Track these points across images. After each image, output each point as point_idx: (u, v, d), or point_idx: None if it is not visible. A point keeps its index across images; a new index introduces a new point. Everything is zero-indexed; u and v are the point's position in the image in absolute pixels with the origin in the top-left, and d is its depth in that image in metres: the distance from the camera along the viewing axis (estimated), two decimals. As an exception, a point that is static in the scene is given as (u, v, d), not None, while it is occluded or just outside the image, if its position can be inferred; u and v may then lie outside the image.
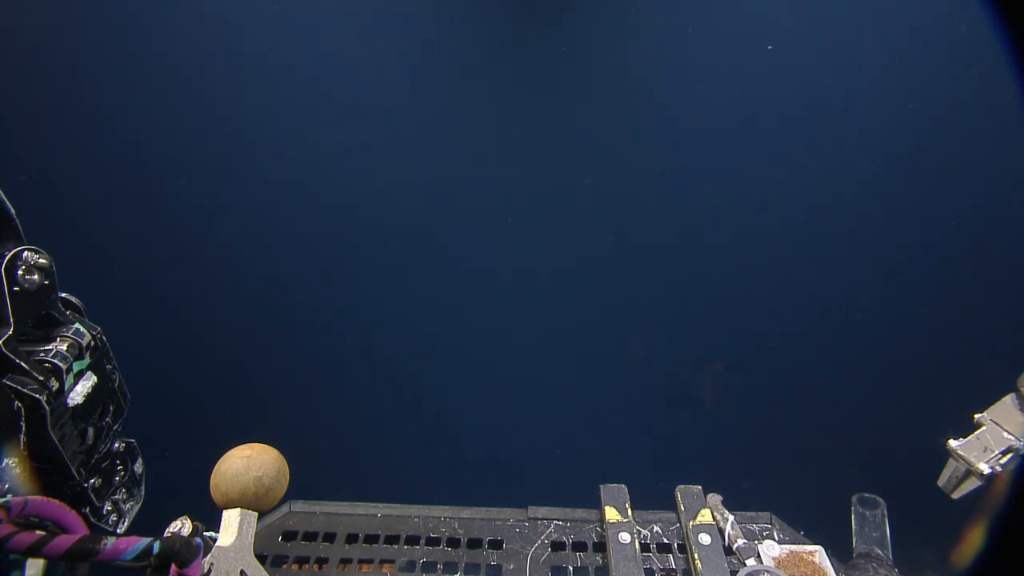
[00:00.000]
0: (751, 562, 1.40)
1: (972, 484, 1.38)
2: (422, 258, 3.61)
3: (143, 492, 1.41)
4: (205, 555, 1.12)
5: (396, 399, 3.71)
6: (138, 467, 1.40)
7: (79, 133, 3.16)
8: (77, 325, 1.21)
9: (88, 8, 3.04)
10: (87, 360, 1.21)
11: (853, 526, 1.53)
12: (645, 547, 1.51)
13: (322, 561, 1.49)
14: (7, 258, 1.06)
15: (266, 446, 1.31)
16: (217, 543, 1.18)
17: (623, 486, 1.63)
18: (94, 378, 1.22)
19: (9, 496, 0.93)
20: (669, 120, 3.39)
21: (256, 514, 1.24)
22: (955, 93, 3.08)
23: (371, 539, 1.54)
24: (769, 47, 2.95)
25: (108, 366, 1.28)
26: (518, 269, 3.64)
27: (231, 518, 1.21)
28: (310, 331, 3.65)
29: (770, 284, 3.52)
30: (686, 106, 3.36)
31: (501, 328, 3.71)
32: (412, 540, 1.55)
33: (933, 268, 3.28)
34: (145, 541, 0.92)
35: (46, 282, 1.14)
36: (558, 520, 1.60)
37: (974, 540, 1.01)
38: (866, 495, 1.56)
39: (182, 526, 1.17)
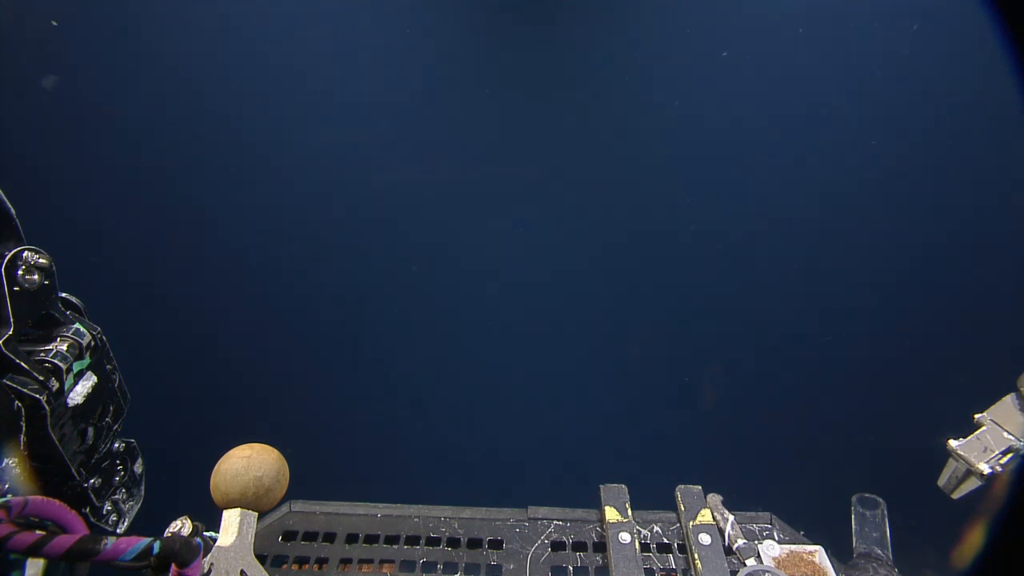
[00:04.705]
0: (751, 562, 1.40)
1: (972, 484, 1.38)
2: (421, 258, 3.62)
3: (143, 492, 1.41)
4: (205, 555, 1.12)
5: (396, 399, 3.72)
6: (138, 467, 1.40)
7: (79, 133, 3.17)
8: (77, 325, 1.21)
9: (88, 8, 3.04)
10: (87, 360, 1.21)
11: (853, 526, 1.53)
12: (645, 547, 1.51)
13: (322, 561, 1.49)
14: (7, 258, 1.06)
15: (266, 446, 1.31)
16: (217, 543, 1.18)
17: (623, 486, 1.62)
18: (94, 378, 1.22)
19: (9, 496, 0.93)
20: (672, 120, 3.39)
21: (256, 514, 1.24)
22: (955, 93, 3.08)
23: (371, 539, 1.54)
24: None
25: (108, 366, 1.28)
26: (518, 269, 3.64)
27: (231, 518, 1.21)
28: (310, 331, 3.66)
29: (770, 284, 3.53)
30: (688, 106, 3.36)
31: (502, 328, 3.71)
32: (412, 540, 1.54)
33: (933, 268, 3.28)
34: (145, 541, 0.92)
35: (46, 282, 1.14)
36: (558, 520, 1.60)
37: (974, 540, 1.01)
38: (866, 495, 1.56)
39: (182, 526, 1.16)
